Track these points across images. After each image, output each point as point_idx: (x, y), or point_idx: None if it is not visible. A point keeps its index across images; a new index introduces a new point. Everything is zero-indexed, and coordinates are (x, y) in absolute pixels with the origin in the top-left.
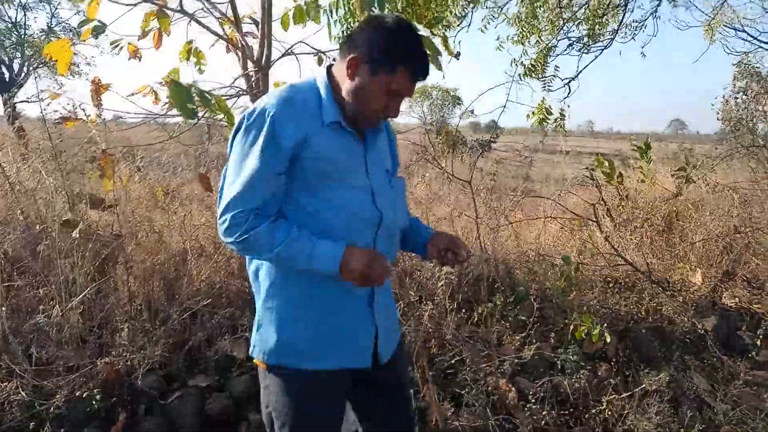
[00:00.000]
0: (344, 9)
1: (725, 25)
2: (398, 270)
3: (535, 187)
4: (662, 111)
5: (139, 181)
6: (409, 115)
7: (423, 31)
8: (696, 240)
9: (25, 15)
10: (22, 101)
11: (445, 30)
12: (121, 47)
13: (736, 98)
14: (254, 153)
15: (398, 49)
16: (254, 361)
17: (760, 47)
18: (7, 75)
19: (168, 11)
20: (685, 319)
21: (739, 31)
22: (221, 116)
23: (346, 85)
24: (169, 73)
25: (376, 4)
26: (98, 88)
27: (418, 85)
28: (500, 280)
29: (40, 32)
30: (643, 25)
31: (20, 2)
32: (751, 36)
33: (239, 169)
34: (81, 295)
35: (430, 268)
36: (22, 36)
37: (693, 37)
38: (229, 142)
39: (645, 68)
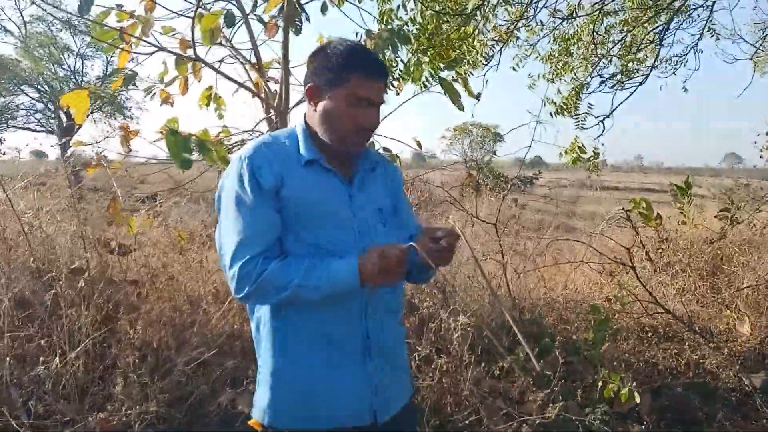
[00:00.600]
0: None
1: None
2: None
3: (578, 224)
4: (716, 145)
5: (158, 226)
6: (450, 153)
7: (443, 73)
8: (744, 286)
9: (83, 63)
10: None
11: (471, 69)
12: (154, 93)
13: None
14: (243, 199)
15: (342, 60)
16: (249, 422)
17: None
18: (65, 120)
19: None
20: (731, 374)
21: None
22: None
23: (314, 119)
24: (168, 121)
25: (390, 46)
26: (127, 134)
27: (457, 121)
28: (525, 329)
29: (96, 79)
30: (683, 59)
31: (78, 52)
32: None
33: (234, 219)
34: (81, 346)
35: (445, 318)
36: (80, 83)
37: (744, 69)
38: (216, 199)
39: (696, 102)
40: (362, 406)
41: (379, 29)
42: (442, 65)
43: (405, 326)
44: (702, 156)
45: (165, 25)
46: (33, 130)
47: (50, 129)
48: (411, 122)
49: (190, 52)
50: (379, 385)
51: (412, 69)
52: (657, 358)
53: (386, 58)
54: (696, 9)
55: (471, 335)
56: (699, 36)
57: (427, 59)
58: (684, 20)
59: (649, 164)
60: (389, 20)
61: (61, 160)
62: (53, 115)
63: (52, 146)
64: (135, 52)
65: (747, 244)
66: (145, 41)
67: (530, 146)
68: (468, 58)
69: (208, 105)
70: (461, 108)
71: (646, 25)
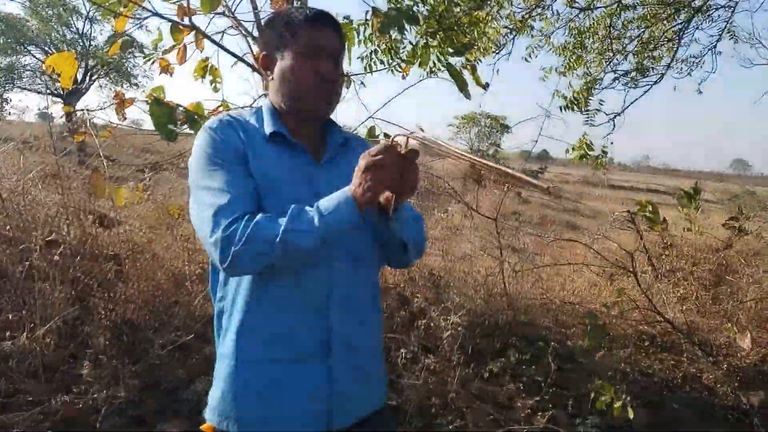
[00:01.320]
0: (369, 29)
1: None
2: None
3: (582, 222)
4: (723, 149)
5: (147, 200)
6: (456, 141)
7: (453, 58)
8: (747, 299)
9: (91, 26)
10: (81, 110)
11: (482, 56)
12: (153, 61)
13: None
14: (217, 162)
15: (286, 17)
16: (202, 426)
17: None
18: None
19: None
20: (729, 390)
21: None
22: None
23: (273, 90)
24: (153, 90)
25: (397, 26)
26: (122, 102)
27: (464, 109)
28: (519, 330)
29: (104, 44)
30: (700, 60)
31: (87, 15)
32: None
33: (209, 184)
34: (51, 322)
35: (435, 317)
36: (88, 47)
37: (760, 73)
38: (189, 178)
39: (707, 104)
40: (316, 408)
41: (387, 8)
42: (450, 50)
43: (384, 315)
44: (709, 160)
45: None
46: (39, 92)
47: (56, 92)
48: (413, 110)
49: (187, 20)
50: (339, 386)
51: (419, 52)
52: (653, 369)
53: (392, 38)
54: (717, 9)
55: (462, 335)
56: (718, 37)
57: (435, 43)
58: (704, 20)
59: (657, 165)
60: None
61: (66, 124)
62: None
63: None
64: (131, 17)
65: (753, 256)
66: (142, 6)
67: (536, 141)
68: (479, 44)
69: (203, 77)
70: (468, 96)
71: (665, 22)
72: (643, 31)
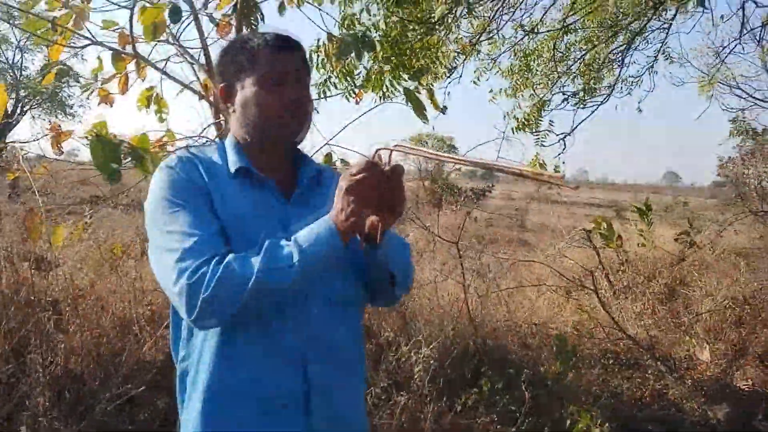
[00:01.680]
0: (325, 56)
1: (720, 83)
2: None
3: (531, 238)
4: (657, 162)
5: (87, 239)
6: (405, 163)
7: (407, 83)
8: (702, 311)
9: (22, 56)
10: (11, 142)
11: (434, 81)
12: (92, 91)
13: (744, 161)
14: (179, 203)
15: (243, 43)
16: None
17: (756, 104)
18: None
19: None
20: (695, 405)
21: (734, 88)
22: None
23: (234, 122)
24: (94, 125)
25: (354, 52)
26: (58, 135)
27: (413, 132)
28: (489, 357)
29: (37, 74)
30: (639, 80)
31: (18, 44)
32: (747, 93)
33: (171, 229)
34: None
35: (405, 352)
36: (18, 77)
37: (688, 91)
38: (146, 222)
39: (639, 119)
40: None
41: (340, 33)
42: (404, 75)
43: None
44: (644, 173)
45: (106, 19)
46: None
47: None
48: (373, 134)
49: (129, 48)
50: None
51: (373, 78)
52: (622, 388)
53: (348, 64)
54: (653, 31)
55: (432, 368)
56: (654, 58)
57: (388, 68)
58: (640, 42)
59: (595, 179)
60: (351, 25)
61: None
62: None
63: None
64: (67, 46)
65: (706, 269)
66: (79, 34)
67: (466, 153)
68: (432, 69)
69: (148, 107)
70: (425, 120)
71: (605, 44)
72: (585, 53)
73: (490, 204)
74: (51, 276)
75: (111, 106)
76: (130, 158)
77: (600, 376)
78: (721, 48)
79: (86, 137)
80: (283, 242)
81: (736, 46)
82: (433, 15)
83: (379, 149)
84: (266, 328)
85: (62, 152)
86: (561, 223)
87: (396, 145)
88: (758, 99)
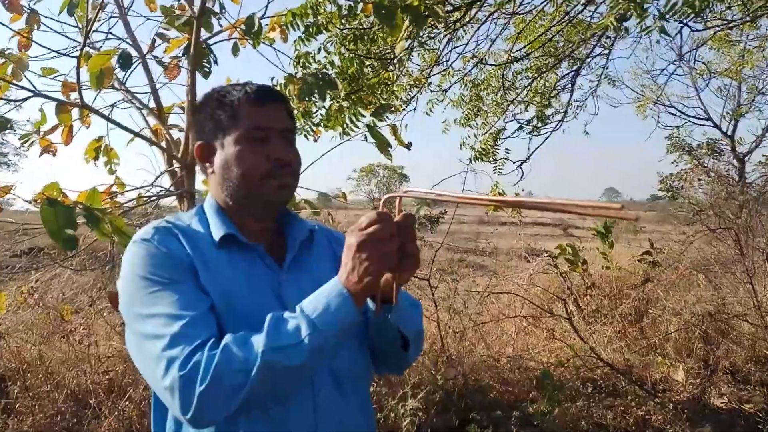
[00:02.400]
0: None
1: (655, 102)
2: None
3: (487, 262)
4: (597, 179)
5: (34, 305)
6: (357, 194)
7: (368, 119)
8: (671, 330)
9: None
10: None
11: (392, 115)
12: (32, 142)
13: (700, 180)
14: (161, 282)
15: (224, 97)
16: None
17: (689, 121)
18: None
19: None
20: (679, 430)
21: (668, 107)
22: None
23: (215, 184)
24: (45, 189)
25: (316, 93)
26: None
27: (363, 164)
28: (472, 398)
29: None
30: (583, 104)
31: None
32: (680, 111)
33: (154, 313)
34: None
35: (393, 406)
36: None
37: (624, 110)
38: (120, 305)
39: (579, 139)
40: None
41: (296, 72)
42: (363, 112)
43: None
44: (585, 190)
45: (45, 67)
46: None
47: None
48: (330, 170)
49: (74, 96)
50: None
51: (332, 116)
52: (606, 418)
53: (308, 103)
54: (594, 57)
55: (420, 418)
56: (597, 82)
57: (347, 105)
58: (582, 68)
59: (537, 198)
60: (306, 63)
61: None
62: None
63: None
64: (4, 98)
65: (669, 287)
66: (18, 85)
67: (432, 187)
68: (390, 102)
69: (96, 159)
70: (389, 157)
71: (554, 71)
72: (532, 81)
73: (443, 230)
74: None
75: (54, 155)
76: (85, 221)
77: (583, 408)
78: (658, 71)
79: (34, 200)
80: (287, 314)
81: (675, 69)
82: (388, 50)
83: (386, 196)
84: (270, 419)
85: (1, 209)
86: (513, 244)
87: (406, 191)
88: (691, 116)
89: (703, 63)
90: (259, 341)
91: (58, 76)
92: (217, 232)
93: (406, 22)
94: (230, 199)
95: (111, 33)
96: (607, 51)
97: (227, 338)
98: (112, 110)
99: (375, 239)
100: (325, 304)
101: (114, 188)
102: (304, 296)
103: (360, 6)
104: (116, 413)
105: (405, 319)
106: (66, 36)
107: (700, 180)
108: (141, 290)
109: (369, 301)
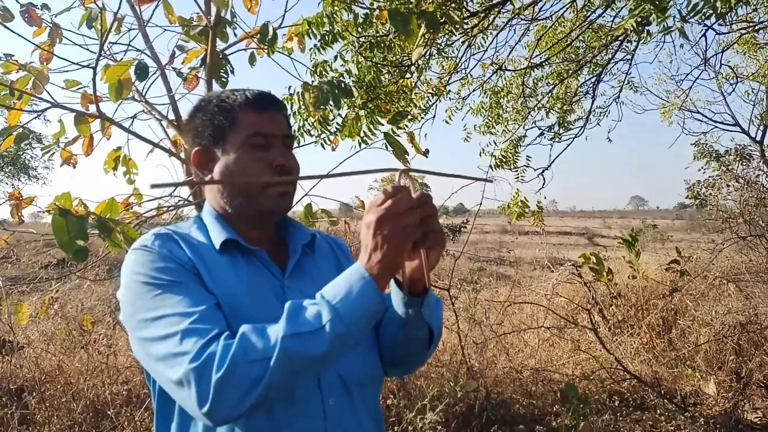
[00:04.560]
0: (298, 104)
1: (681, 108)
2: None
3: (510, 272)
4: (622, 187)
5: (54, 315)
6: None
7: (386, 127)
8: (701, 342)
9: None
10: None
11: (410, 123)
12: (53, 153)
13: (729, 186)
14: (165, 283)
15: (222, 103)
16: None
17: (716, 127)
18: None
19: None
20: None
21: (694, 113)
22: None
23: (213, 191)
24: (57, 198)
25: (332, 100)
26: (19, 203)
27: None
28: (494, 412)
29: None
30: (607, 110)
31: None
32: (707, 117)
33: (157, 316)
34: None
35: (411, 419)
36: None
37: (648, 117)
38: (122, 315)
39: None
40: None
41: (313, 81)
42: (381, 119)
43: None
44: (611, 199)
45: (68, 79)
46: None
47: None
48: (347, 181)
49: (93, 107)
50: None
51: (349, 124)
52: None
53: (325, 112)
54: (617, 63)
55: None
56: (620, 88)
57: (364, 113)
58: (605, 74)
59: (565, 208)
60: (323, 72)
61: None
62: None
63: None
64: (25, 110)
65: (698, 297)
66: (37, 97)
67: (450, 195)
68: (409, 110)
69: (115, 169)
70: (407, 164)
71: (575, 77)
72: (553, 87)
73: (464, 238)
74: (15, 360)
75: (74, 167)
76: (97, 232)
77: (610, 422)
78: (683, 75)
79: (48, 211)
80: (307, 302)
81: (700, 74)
82: (405, 58)
83: (402, 171)
84: (275, 424)
85: (23, 221)
86: (537, 254)
87: (406, 169)
88: (718, 122)
89: (730, 67)
90: (277, 329)
91: (80, 88)
92: (218, 237)
93: (422, 29)
94: (229, 207)
95: (131, 45)
96: (629, 56)
97: (243, 327)
98: (132, 121)
99: (394, 212)
100: (347, 289)
101: (132, 199)
102: (306, 290)
103: (375, 13)
104: (133, 424)
105: (433, 313)
106: (87, 49)
107: (728, 186)
108: (144, 295)
109: (393, 296)
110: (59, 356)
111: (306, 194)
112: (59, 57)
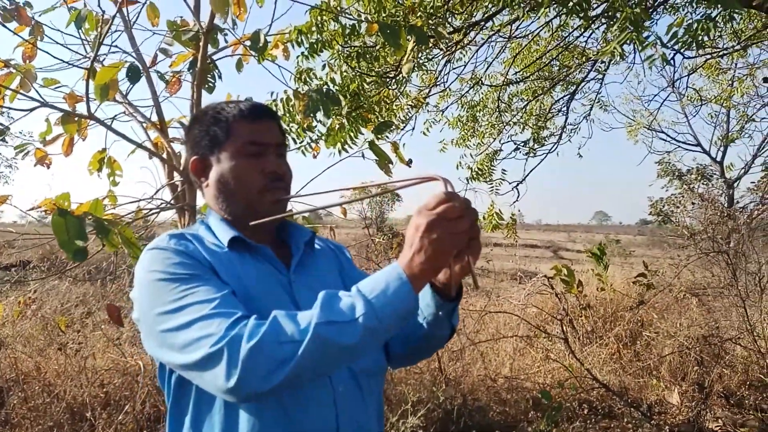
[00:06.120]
0: (283, 111)
1: (645, 127)
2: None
3: (484, 282)
4: (586, 202)
5: (31, 316)
6: (349, 212)
7: (369, 135)
8: (666, 353)
9: None
10: None
11: (390, 134)
12: (27, 152)
13: (694, 203)
14: (179, 280)
15: (217, 114)
16: None
17: (679, 147)
18: None
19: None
20: None
21: (659, 132)
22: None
23: (212, 198)
24: (57, 198)
25: (321, 108)
26: None
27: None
28: (471, 418)
29: None
30: (577, 127)
31: None
32: (671, 137)
33: (178, 307)
34: None
35: (393, 423)
36: None
37: (615, 135)
38: (135, 314)
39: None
40: None
41: (297, 87)
42: (363, 129)
43: None
44: (575, 214)
45: (47, 78)
46: None
47: None
48: (334, 184)
49: (79, 107)
50: None
51: (333, 133)
52: None
53: (311, 119)
54: (588, 81)
55: None
56: (591, 106)
57: (346, 122)
58: (577, 92)
59: (530, 221)
60: (307, 79)
61: None
62: None
63: None
64: (11, 108)
65: (665, 310)
66: (26, 96)
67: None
68: (391, 121)
69: (99, 170)
70: (390, 174)
71: (549, 94)
72: (527, 104)
73: None
74: None
75: (48, 167)
76: (94, 233)
77: (581, 429)
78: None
79: (45, 211)
80: (341, 293)
81: (668, 96)
82: (390, 69)
83: (445, 179)
84: (287, 415)
85: None
86: (505, 266)
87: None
88: (681, 142)
89: (694, 89)
90: (310, 315)
91: (59, 87)
92: (225, 236)
93: (411, 42)
94: (226, 213)
95: (116, 46)
96: (601, 76)
97: (275, 312)
98: (112, 122)
99: (446, 218)
100: (384, 286)
101: (106, 201)
102: (315, 297)
103: (364, 26)
104: (112, 428)
105: (456, 314)
106: (69, 48)
107: (693, 203)
108: (162, 290)
109: (421, 296)
110: (36, 357)
111: (289, 198)
112: (47, 53)
